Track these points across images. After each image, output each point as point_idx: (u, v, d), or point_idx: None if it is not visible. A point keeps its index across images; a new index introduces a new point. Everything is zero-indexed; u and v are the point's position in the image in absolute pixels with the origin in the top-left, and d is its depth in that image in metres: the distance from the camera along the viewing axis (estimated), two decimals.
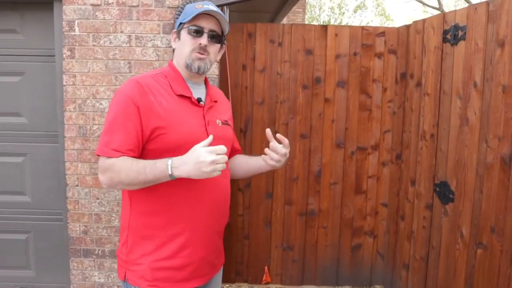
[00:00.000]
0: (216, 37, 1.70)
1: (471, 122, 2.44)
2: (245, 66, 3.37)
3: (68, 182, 3.13)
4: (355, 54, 3.37)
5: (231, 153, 1.97)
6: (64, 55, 3.02)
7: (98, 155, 1.57)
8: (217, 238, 1.78)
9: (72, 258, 3.21)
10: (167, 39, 3.02)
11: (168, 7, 2.99)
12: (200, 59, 1.67)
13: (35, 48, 3.17)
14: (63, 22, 3.00)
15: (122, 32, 3.01)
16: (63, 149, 3.12)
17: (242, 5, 3.07)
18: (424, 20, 2.96)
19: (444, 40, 2.69)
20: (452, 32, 2.60)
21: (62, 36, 3.01)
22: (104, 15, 2.99)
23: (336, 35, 3.35)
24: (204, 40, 1.66)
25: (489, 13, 2.29)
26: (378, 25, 18.98)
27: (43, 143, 3.27)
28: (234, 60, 3.36)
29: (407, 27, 3.21)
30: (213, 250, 1.75)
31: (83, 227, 3.17)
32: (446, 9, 14.17)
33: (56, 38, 3.06)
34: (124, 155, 1.52)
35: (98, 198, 3.14)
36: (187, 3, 2.92)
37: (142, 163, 1.50)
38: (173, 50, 1.82)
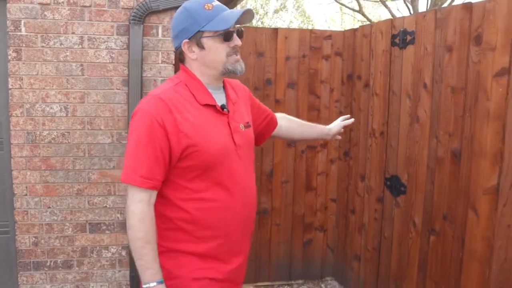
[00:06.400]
0: (242, 32, 1.63)
1: (421, 119, 2.65)
2: None
3: (15, 192, 2.93)
4: (303, 56, 3.50)
5: (269, 124, 2.04)
6: (9, 57, 2.83)
7: (125, 182, 1.49)
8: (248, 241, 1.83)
9: (21, 272, 3.02)
10: (121, 41, 2.94)
11: (123, 8, 2.91)
12: (238, 60, 1.61)
13: None
14: (8, 22, 2.80)
15: (73, 33, 2.88)
16: (9, 157, 2.92)
17: None
18: (371, 25, 3.16)
19: (393, 44, 2.89)
20: (400, 37, 2.80)
21: (7, 37, 2.82)
22: (53, 15, 2.84)
23: (286, 38, 3.46)
24: (238, 41, 1.60)
25: (437, 20, 2.50)
26: (297, 26, 19.57)
27: None
28: None
29: (354, 31, 3.40)
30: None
31: (33, 239, 2.99)
32: (366, 12, 15.08)
33: (0, 38, 2.86)
34: (155, 184, 1.48)
35: (49, 207, 2.98)
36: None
37: (150, 248, 1.47)
38: (180, 57, 1.66)
